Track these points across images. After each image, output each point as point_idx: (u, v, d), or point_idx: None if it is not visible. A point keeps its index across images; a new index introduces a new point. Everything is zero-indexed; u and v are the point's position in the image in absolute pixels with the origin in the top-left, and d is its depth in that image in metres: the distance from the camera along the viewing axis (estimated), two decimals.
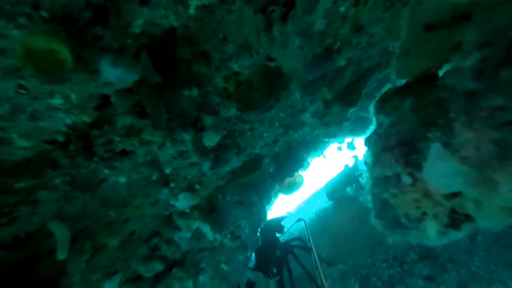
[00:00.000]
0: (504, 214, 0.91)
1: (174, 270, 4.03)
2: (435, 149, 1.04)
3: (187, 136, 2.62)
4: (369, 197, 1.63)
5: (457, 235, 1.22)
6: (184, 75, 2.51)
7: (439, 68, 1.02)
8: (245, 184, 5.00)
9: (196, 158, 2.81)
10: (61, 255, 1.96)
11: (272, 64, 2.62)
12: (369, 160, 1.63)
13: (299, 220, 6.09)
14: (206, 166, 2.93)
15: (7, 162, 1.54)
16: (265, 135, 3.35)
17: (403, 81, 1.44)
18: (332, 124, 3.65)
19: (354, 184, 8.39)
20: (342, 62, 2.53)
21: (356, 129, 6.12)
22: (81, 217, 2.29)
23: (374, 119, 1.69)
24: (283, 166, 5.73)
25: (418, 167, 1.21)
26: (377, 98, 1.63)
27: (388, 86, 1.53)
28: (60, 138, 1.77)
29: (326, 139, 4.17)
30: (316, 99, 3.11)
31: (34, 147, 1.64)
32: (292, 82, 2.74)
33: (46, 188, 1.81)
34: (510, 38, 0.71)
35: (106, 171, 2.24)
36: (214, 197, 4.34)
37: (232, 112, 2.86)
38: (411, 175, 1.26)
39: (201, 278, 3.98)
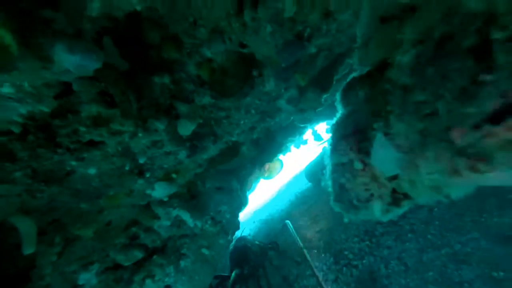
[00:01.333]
0: (432, 191, 1.05)
1: (155, 257, 4.08)
2: (379, 138, 1.14)
3: (160, 125, 2.56)
4: (329, 182, 1.75)
5: (398, 212, 1.38)
6: (154, 61, 2.41)
7: (393, 60, 1.09)
8: (224, 171, 5.05)
9: (171, 147, 2.78)
10: (27, 250, 1.90)
11: (245, 50, 2.59)
12: (329, 148, 1.74)
13: (283, 225, 6.27)
14: (182, 154, 2.91)
15: None
16: (242, 122, 3.36)
17: (365, 70, 1.51)
18: (307, 110, 3.74)
19: None
20: (313, 49, 2.56)
21: (332, 114, 6.34)
22: (49, 209, 2.21)
23: (339, 106, 1.77)
24: (263, 152, 5.83)
25: (367, 154, 1.32)
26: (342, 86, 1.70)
27: (353, 75, 1.60)
28: (16, 129, 1.66)
29: (302, 125, 4.28)
30: (291, 86, 3.15)
31: None
32: (266, 69, 2.74)
33: (4, 182, 1.72)
34: (438, 37, 0.78)
35: (73, 162, 2.15)
36: (193, 184, 4.35)
37: (206, 99, 2.82)
38: (361, 161, 1.38)
39: (182, 263, 4.08)
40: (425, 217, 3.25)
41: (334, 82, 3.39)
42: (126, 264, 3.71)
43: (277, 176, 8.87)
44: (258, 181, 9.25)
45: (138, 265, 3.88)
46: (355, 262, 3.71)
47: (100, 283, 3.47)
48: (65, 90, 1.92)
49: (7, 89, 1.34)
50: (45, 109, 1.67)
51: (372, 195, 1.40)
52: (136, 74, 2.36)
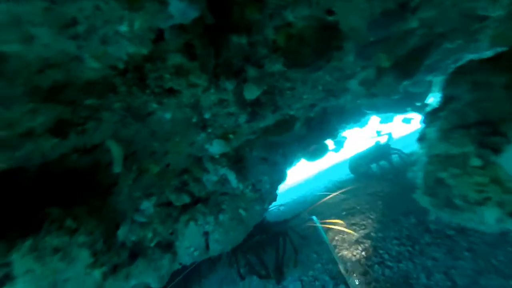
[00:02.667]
0: None
1: (199, 205, 4.57)
2: None
3: (230, 85, 2.65)
4: (420, 173, 1.60)
5: None
6: (236, 19, 2.41)
7: None
8: (272, 143, 5.13)
9: (234, 109, 2.89)
10: (116, 169, 2.32)
11: (330, 18, 2.38)
12: (432, 136, 1.54)
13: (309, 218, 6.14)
14: (242, 118, 3.02)
15: (80, 79, 1.73)
16: (305, 97, 3.26)
17: (487, 53, 1.24)
18: (379, 96, 3.40)
19: (381, 162, 8.19)
20: (414, 24, 2.20)
21: (398, 105, 5.63)
22: (132, 142, 2.60)
23: (439, 94, 1.53)
24: (313, 132, 5.66)
25: (496, 150, 1.13)
26: (450, 71, 1.44)
27: (467, 57, 1.32)
28: (120, 65, 1.91)
29: (368, 111, 3.94)
30: (369, 65, 2.84)
31: (101, 70, 1.80)
32: (348, 42, 2.50)
33: (108, 110, 2.05)
34: None
35: (154, 105, 2.42)
36: (242, 149, 4.56)
37: (277, 67, 2.77)
38: (482, 157, 1.19)
39: (221, 217, 4.49)
40: (494, 239, 2.82)
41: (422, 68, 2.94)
42: (176, 204, 4.27)
43: (319, 160, 8.66)
44: (299, 160, 9.20)
45: (185, 208, 4.42)
46: (390, 263, 3.55)
47: (155, 213, 4.09)
48: (158, 36, 2.10)
49: (124, 28, 1.52)
50: (144, 51, 1.86)
51: (487, 198, 1.23)
52: (218, 30, 2.42)
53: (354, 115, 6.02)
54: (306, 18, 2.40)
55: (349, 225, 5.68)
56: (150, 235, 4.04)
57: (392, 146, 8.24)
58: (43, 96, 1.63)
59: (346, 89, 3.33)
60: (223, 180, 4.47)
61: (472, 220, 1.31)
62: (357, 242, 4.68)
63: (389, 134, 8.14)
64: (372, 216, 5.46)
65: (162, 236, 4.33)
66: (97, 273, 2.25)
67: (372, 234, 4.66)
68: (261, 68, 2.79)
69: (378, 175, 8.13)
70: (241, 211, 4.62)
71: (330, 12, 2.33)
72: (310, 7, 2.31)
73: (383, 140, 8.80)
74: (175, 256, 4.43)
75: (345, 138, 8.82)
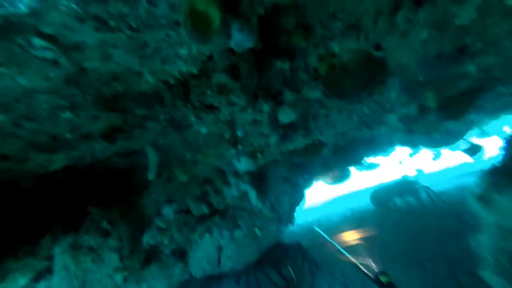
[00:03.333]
0: None
1: (216, 217, 4.57)
2: None
3: (266, 107, 2.69)
4: (486, 244, 1.43)
5: None
6: (282, 45, 2.48)
7: None
8: (296, 164, 5.05)
9: (267, 130, 2.91)
10: (151, 175, 2.41)
11: (378, 54, 2.36)
12: (505, 204, 1.39)
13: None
14: (273, 139, 3.03)
15: (135, 91, 1.86)
16: (338, 125, 3.20)
17: None
18: (417, 133, 3.24)
19: (407, 197, 7.71)
20: (470, 68, 2.10)
21: (434, 142, 5.31)
22: (167, 150, 2.71)
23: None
24: (338, 157, 5.51)
25: None
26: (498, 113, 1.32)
27: None
28: (171, 81, 2.03)
29: (402, 145, 3.76)
30: (412, 102, 2.75)
31: (153, 84, 1.92)
32: (394, 79, 2.45)
33: (153, 120, 2.17)
34: None
35: (193, 118, 2.52)
36: (265, 167, 4.54)
37: (314, 94, 2.77)
38: None
39: (236, 233, 4.44)
40: None
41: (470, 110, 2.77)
42: (195, 213, 4.31)
43: (339, 185, 8.36)
44: (318, 181, 8.94)
45: (203, 219, 4.45)
46: None
47: (174, 220, 4.15)
48: (208, 57, 2.22)
49: (184, 51, 1.63)
50: (195, 70, 1.97)
51: None
52: (263, 55, 2.50)
53: (384, 146, 5.79)
54: (352, 51, 2.40)
55: (370, 255, 5.32)
56: (166, 241, 4.08)
57: (421, 182, 7.74)
58: (104, 105, 1.77)
59: (383, 122, 3.23)
60: (243, 196, 4.45)
61: None
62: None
63: (419, 171, 7.70)
64: (390, 250, 5.07)
65: (178, 244, 4.36)
66: (119, 277, 2.30)
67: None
68: (299, 93, 2.81)
69: (401, 211, 7.62)
70: (256, 230, 4.53)
71: (378, 47, 2.31)
72: (358, 41, 2.31)
73: (411, 174, 8.31)
74: (186, 266, 4.42)
75: (377, 165, 8.44)
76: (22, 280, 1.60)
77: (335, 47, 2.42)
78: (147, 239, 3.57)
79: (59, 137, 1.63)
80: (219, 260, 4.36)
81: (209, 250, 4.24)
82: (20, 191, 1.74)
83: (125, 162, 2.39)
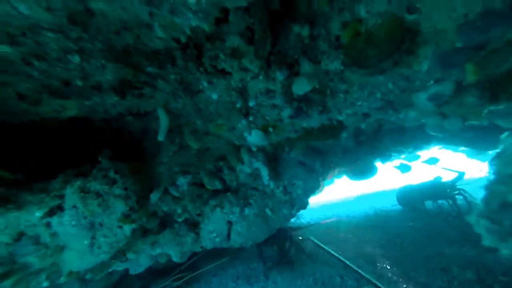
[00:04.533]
0: None
1: (228, 194, 4.64)
2: None
3: (280, 76, 2.59)
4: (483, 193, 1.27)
5: None
6: (302, 9, 2.33)
7: None
8: (313, 148, 4.87)
9: (279, 101, 2.81)
10: (161, 137, 2.49)
11: (411, 17, 2.09)
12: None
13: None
14: (286, 112, 2.92)
15: (147, 47, 1.90)
16: (359, 103, 2.96)
17: None
18: (451, 117, 2.86)
19: (440, 201, 7.04)
20: None
21: (476, 137, 4.67)
22: (178, 115, 2.77)
23: None
24: (361, 147, 5.17)
25: None
26: None
27: None
28: (183, 39, 2.03)
29: (434, 133, 3.37)
30: (447, 78, 2.41)
31: (165, 40, 1.94)
32: (426, 47, 2.15)
33: (164, 79, 2.21)
34: None
35: (205, 83, 2.53)
36: (280, 148, 4.45)
37: (334, 65, 2.58)
38: None
39: (247, 210, 4.46)
40: None
41: None
42: (208, 187, 4.42)
43: (363, 181, 7.92)
44: (341, 176, 8.58)
45: (215, 193, 4.55)
46: None
47: (187, 191, 4.31)
48: (223, 18, 2.17)
49: (191, 0, 1.60)
50: (206, 27, 1.94)
51: None
52: (280, 18, 2.38)
53: (416, 139, 5.26)
54: (381, 14, 2.16)
55: (387, 257, 5.00)
56: (179, 210, 4.27)
57: (458, 186, 6.94)
58: (115, 56, 1.83)
59: (411, 103, 2.90)
60: (256, 175, 4.43)
61: None
62: (390, 280, 4.07)
63: (461, 174, 6.90)
64: (413, 251, 4.68)
65: (190, 215, 4.54)
66: (127, 229, 2.47)
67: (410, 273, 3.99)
68: (317, 64, 2.64)
69: (431, 214, 6.98)
70: (267, 210, 4.51)
71: (413, 8, 2.04)
72: (389, 3, 2.07)
73: (447, 176, 7.51)
74: (198, 237, 4.60)
75: (418, 156, 7.80)
76: (38, 213, 1.80)
77: (362, 11, 2.21)
78: (160, 204, 3.75)
79: (71, 82, 1.74)
80: (228, 235, 4.45)
81: (219, 224, 4.35)
82: (39, 133, 1.92)
83: (138, 124, 2.50)
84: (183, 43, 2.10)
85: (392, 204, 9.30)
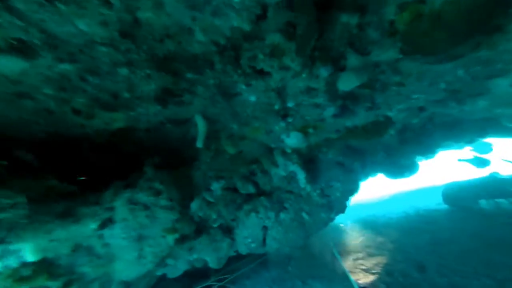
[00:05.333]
0: None
1: (262, 198, 4.48)
2: None
3: (324, 72, 2.33)
4: None
5: None
6: None
7: None
8: (352, 148, 4.50)
9: (322, 100, 2.55)
10: (199, 144, 2.39)
11: None
12: None
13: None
14: (329, 111, 2.65)
15: (187, 52, 1.78)
16: (415, 96, 2.59)
17: None
18: None
19: (499, 200, 6.20)
20: None
21: None
22: (215, 121, 2.65)
23: None
24: (406, 145, 4.68)
25: None
26: None
27: None
28: (222, 41, 1.87)
29: (509, 125, 2.87)
30: None
31: (204, 45, 1.80)
32: None
33: (203, 85, 2.09)
34: None
35: (243, 86, 2.36)
36: (317, 148, 4.17)
37: (388, 55, 2.25)
38: None
39: (282, 215, 4.27)
40: None
41: None
42: (242, 191, 4.31)
43: (403, 179, 7.27)
44: (376, 174, 8.00)
45: (249, 198, 4.42)
46: None
47: (221, 196, 4.23)
48: (261, 15, 1.97)
49: None
50: (247, 27, 1.76)
51: None
52: (326, 8, 2.12)
53: (471, 132, 4.63)
54: None
55: (440, 265, 4.48)
56: (214, 216, 4.22)
57: None
58: (158, 65, 1.74)
59: (484, 91, 2.45)
60: (290, 178, 4.22)
61: None
62: None
63: None
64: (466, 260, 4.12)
65: (225, 220, 4.47)
66: (170, 238, 2.43)
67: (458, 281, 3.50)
68: (366, 55, 2.34)
69: (487, 214, 6.17)
70: (304, 214, 4.28)
71: None
72: None
73: (504, 171, 6.61)
74: (233, 242, 4.53)
75: (489, 146, 6.83)
76: (93, 225, 1.81)
77: None
78: (195, 208, 3.70)
79: (119, 95, 1.68)
80: (264, 240, 4.31)
81: (255, 229, 4.22)
82: (90, 147, 1.92)
83: (177, 131, 2.42)
84: (222, 45, 1.95)
85: (436, 203, 8.47)
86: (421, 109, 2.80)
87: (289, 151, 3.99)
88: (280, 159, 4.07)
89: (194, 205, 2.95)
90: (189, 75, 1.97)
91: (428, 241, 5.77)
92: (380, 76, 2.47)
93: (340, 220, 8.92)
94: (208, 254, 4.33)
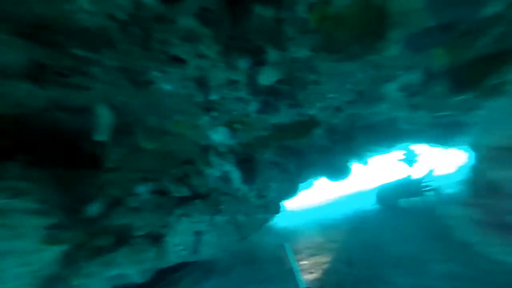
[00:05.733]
0: None
1: (197, 201, 4.22)
2: None
3: (243, 63, 2.31)
4: (471, 175, 1.13)
5: None
6: None
7: None
8: (288, 148, 4.64)
9: (244, 93, 2.53)
10: (99, 136, 2.07)
11: None
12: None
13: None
14: (252, 106, 2.64)
15: (72, 23, 1.51)
16: (330, 95, 2.79)
17: None
18: (421, 110, 2.79)
19: (412, 199, 7.20)
20: (489, 11, 1.66)
21: (442, 132, 4.74)
22: (125, 112, 2.36)
23: None
24: (336, 146, 5.06)
25: None
26: None
27: None
28: (121, 16, 1.67)
29: (407, 127, 3.30)
30: (415, 67, 2.30)
31: (96, 16, 1.56)
32: (396, 30, 2.01)
33: (100, 66, 1.82)
34: None
35: (155, 73, 2.17)
36: (252, 148, 4.16)
37: (303, 52, 2.37)
38: None
39: (217, 218, 4.08)
40: None
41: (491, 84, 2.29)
42: (175, 194, 3.97)
43: (340, 182, 7.89)
44: (318, 178, 8.50)
45: (182, 201, 4.11)
46: None
47: (149, 200, 3.82)
48: None
49: None
50: (152, 3, 1.60)
51: None
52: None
53: (388, 137, 5.29)
54: None
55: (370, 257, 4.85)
56: (140, 223, 3.76)
57: (428, 183, 7.17)
58: (21, 31, 1.42)
59: (381, 95, 2.79)
60: (226, 178, 4.09)
61: None
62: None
63: (431, 171, 7.17)
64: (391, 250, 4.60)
65: (153, 227, 4.04)
66: (54, 251, 1.94)
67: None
68: (284, 51, 2.41)
69: (405, 212, 7.10)
70: (239, 216, 4.16)
71: None
72: None
73: (416, 174, 7.78)
74: (162, 251, 4.09)
75: (416, 155, 7.95)
76: None
77: None
78: (94, 212, 3.19)
79: None
80: (197, 246, 4.01)
81: (187, 235, 3.90)
82: None
83: (72, 120, 2.05)
84: (122, 21, 1.73)
85: (371, 204, 9.39)
86: (338, 109, 3.03)
87: (223, 150, 3.87)
88: (214, 159, 3.91)
89: (91, 210, 2.52)
90: (78, 52, 1.69)
91: (360, 238, 6.28)
92: (298, 73, 2.59)
93: (284, 222, 9.11)
94: (131, 266, 3.81)
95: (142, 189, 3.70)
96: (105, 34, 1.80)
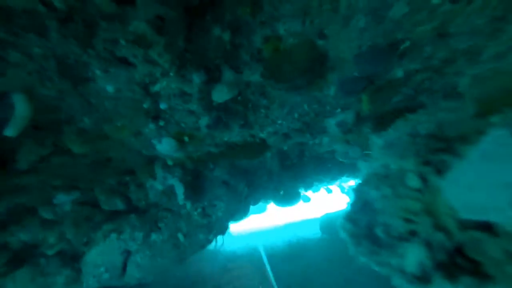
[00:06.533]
0: None
1: (132, 215, 3.82)
2: (492, 140, 0.63)
3: (197, 78, 2.32)
4: (351, 196, 1.34)
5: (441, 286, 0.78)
6: (225, 11, 2.21)
7: None
8: (239, 168, 4.66)
9: (196, 107, 2.51)
10: (9, 131, 1.76)
11: (321, 42, 2.24)
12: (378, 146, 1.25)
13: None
14: (204, 121, 2.63)
15: None
16: (279, 122, 2.97)
17: None
18: (354, 146, 3.16)
19: None
20: (399, 73, 2.06)
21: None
22: (53, 108, 2.09)
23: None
24: (287, 172, 5.29)
25: (440, 171, 0.83)
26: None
27: None
28: (58, 3, 1.54)
29: (341, 159, 3.67)
30: (350, 108, 2.66)
31: None
32: (333, 74, 2.32)
33: (20, 51, 1.61)
34: None
35: (97, 71, 2.01)
36: (203, 164, 4.05)
37: (255, 77, 2.52)
38: (422, 177, 0.89)
39: (153, 236, 3.72)
40: None
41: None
42: (104, 207, 3.52)
43: (289, 208, 8.14)
44: (269, 203, 8.61)
45: (114, 216, 3.66)
46: None
47: (71, 212, 3.31)
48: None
49: None
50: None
51: (413, 233, 0.86)
52: (201, 15, 2.18)
53: (333, 169, 5.77)
54: (297, 35, 2.23)
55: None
56: (52, 239, 3.18)
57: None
58: None
59: (324, 129, 3.09)
60: (170, 194, 3.83)
61: (389, 262, 0.93)
62: None
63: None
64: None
65: (71, 244, 3.45)
66: None
67: None
68: (239, 74, 2.53)
69: (343, 241, 7.63)
70: (180, 235, 3.87)
71: (322, 35, 2.18)
72: (303, 25, 2.16)
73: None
74: (78, 274, 3.48)
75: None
76: None
77: (281, 28, 2.23)
78: (18, 232, 2.68)
79: None
80: (124, 269, 3.53)
81: (112, 255, 3.42)
82: None
83: None
84: (59, 10, 1.60)
85: (314, 233, 9.84)
86: (286, 136, 3.23)
87: (170, 163, 3.67)
88: (159, 171, 3.66)
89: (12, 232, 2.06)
90: None
91: (301, 266, 6.46)
92: (251, 96, 2.71)
93: (227, 245, 8.84)
94: None
95: (63, 199, 3.20)
96: (35, 19, 1.63)
